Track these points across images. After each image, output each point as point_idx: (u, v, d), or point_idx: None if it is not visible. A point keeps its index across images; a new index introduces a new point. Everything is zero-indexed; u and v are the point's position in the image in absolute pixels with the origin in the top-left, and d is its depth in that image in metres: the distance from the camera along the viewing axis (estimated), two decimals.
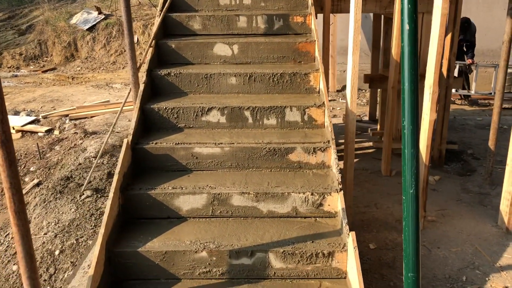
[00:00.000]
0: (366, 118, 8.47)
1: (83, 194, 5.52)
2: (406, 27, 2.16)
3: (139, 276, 2.99)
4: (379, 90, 7.59)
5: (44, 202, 5.44)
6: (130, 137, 3.48)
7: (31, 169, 6.48)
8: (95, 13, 14.70)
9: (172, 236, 3.08)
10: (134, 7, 13.95)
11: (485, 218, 4.81)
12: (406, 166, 2.29)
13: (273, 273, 2.98)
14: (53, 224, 5.03)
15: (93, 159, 6.24)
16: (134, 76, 4.05)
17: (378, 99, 7.77)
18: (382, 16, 7.25)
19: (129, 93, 4.48)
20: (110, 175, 5.87)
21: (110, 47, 13.99)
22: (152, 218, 3.28)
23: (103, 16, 14.57)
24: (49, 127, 7.83)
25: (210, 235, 3.08)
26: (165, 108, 3.78)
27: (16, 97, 9.92)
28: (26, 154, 6.92)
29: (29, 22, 15.31)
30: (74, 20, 14.70)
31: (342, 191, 3.16)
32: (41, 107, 9.13)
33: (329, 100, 6.85)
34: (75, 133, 7.50)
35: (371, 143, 7.05)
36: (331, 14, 5.92)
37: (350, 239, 2.81)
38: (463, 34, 8.52)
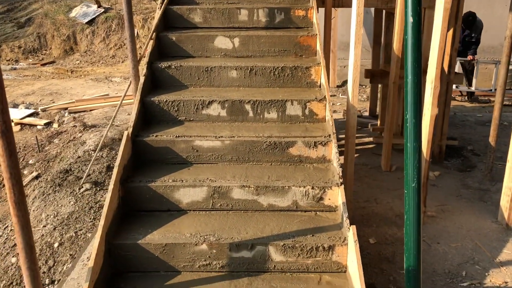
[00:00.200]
0: (367, 114, 8.46)
1: (82, 187, 5.51)
2: (410, 19, 2.15)
3: (138, 268, 2.98)
4: (379, 85, 7.58)
5: (43, 194, 5.43)
6: (130, 130, 3.47)
7: (30, 162, 6.47)
8: (95, 7, 14.65)
9: (172, 228, 3.08)
10: (134, 1, 13.90)
11: (485, 214, 4.81)
12: (409, 159, 2.28)
13: (273, 266, 2.97)
14: (52, 216, 5.02)
15: (92, 152, 6.22)
16: (134, 68, 4.03)
17: (379, 94, 7.75)
18: (384, 11, 7.22)
19: (129, 86, 4.46)
20: (109, 168, 5.86)
21: (110, 41, 13.95)
22: (152, 210, 3.28)
23: (102, 10, 14.52)
24: (48, 120, 7.81)
25: (210, 228, 3.08)
26: (166, 101, 3.76)
27: (15, 90, 9.89)
28: (25, 147, 6.90)
29: (28, 15, 15.24)
30: (73, 13, 14.64)
31: (342, 185, 3.15)
32: (40, 100, 9.11)
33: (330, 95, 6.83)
34: (74, 126, 7.48)
35: (371, 139, 7.05)
36: (332, 9, 5.90)
37: (351, 233, 2.80)
38: (468, 30, 8.47)
